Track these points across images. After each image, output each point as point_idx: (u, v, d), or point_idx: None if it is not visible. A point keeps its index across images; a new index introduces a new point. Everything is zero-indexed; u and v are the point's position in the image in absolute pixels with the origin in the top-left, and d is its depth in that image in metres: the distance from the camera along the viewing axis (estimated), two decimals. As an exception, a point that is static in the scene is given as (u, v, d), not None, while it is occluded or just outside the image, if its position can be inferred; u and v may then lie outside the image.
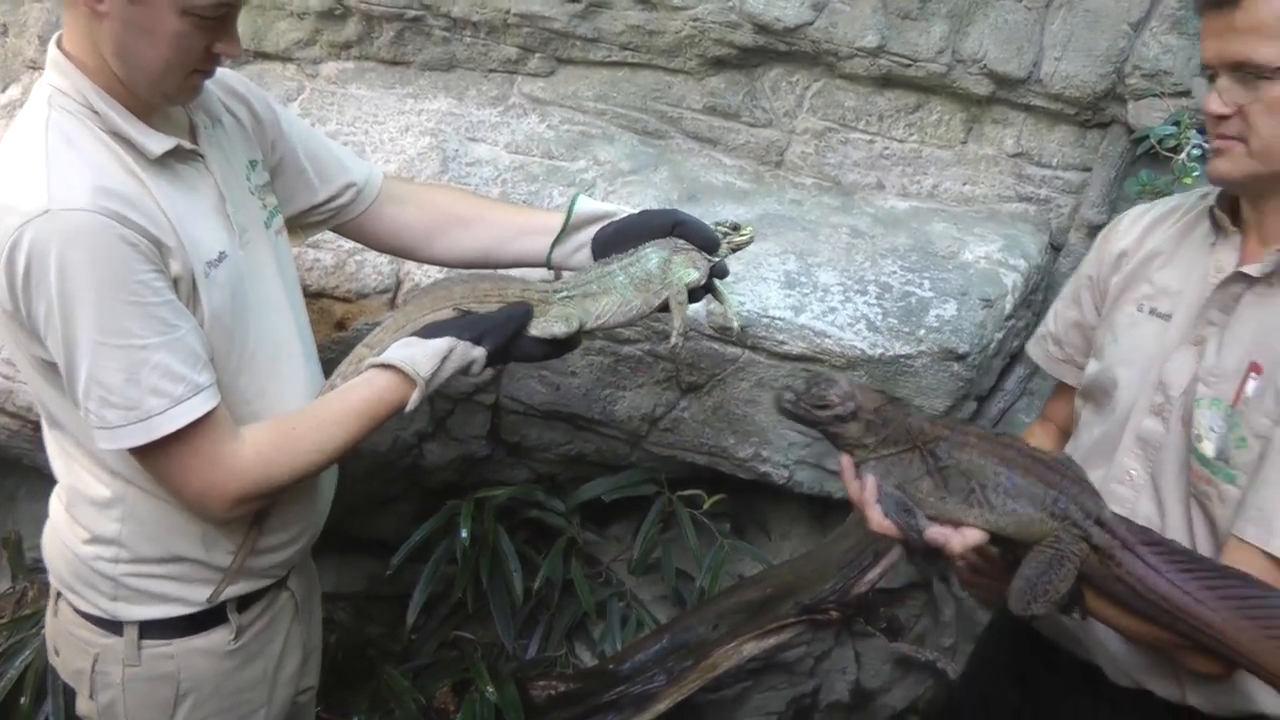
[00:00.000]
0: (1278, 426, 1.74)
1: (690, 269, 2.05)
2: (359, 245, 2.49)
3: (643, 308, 2.06)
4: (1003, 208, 3.23)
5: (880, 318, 2.80)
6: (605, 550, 3.41)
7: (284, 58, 3.40)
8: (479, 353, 1.95)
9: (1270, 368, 1.77)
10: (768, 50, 3.15)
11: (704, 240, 2.10)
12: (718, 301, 2.22)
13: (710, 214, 2.95)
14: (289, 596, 2.13)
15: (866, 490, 1.77)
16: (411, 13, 3.25)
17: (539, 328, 2.01)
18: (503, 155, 3.18)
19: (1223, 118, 1.75)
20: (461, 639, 3.40)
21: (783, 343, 2.76)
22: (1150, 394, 1.93)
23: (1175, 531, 1.85)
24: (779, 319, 2.76)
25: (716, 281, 2.15)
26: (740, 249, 2.18)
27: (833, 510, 3.19)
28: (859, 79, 3.18)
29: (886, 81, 3.18)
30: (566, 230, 2.16)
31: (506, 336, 1.99)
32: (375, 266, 2.86)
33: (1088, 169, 3.17)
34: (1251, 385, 1.78)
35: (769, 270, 2.87)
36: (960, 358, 2.78)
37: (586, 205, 2.18)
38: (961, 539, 1.72)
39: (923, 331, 2.78)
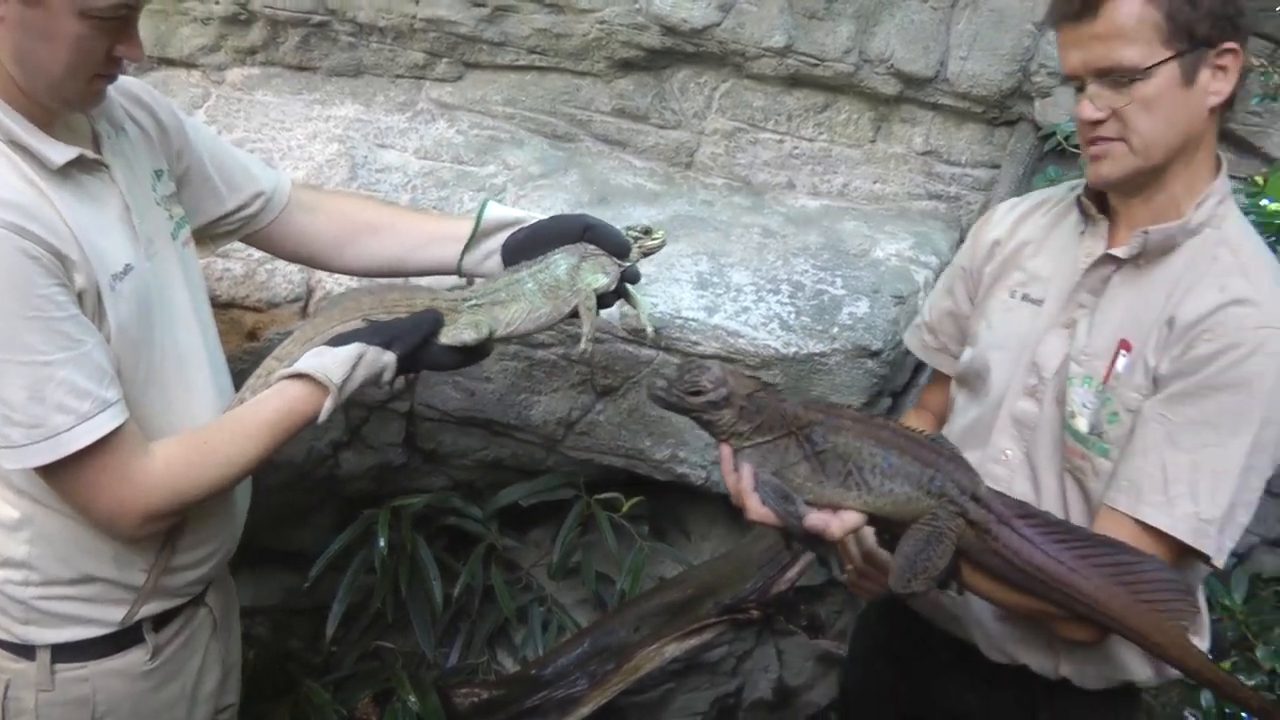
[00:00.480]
0: (1147, 400, 1.82)
1: (599, 275, 2.07)
2: (269, 254, 2.49)
3: (552, 315, 2.07)
4: (913, 205, 3.29)
5: (793, 316, 2.84)
6: (524, 555, 3.41)
7: (188, 64, 3.37)
8: (389, 358, 1.94)
9: (1139, 344, 1.85)
10: (675, 52, 3.18)
11: (614, 245, 2.11)
12: (630, 306, 2.23)
13: (621, 216, 2.98)
14: (207, 613, 2.10)
15: (743, 479, 1.78)
16: (317, 18, 3.24)
17: (449, 335, 2.01)
18: (412, 161, 3.19)
19: (1099, 122, 1.83)
20: (382, 649, 3.38)
21: (696, 343, 2.79)
22: (1024, 376, 2.00)
23: (1050, 507, 1.93)
24: (692, 320, 2.79)
25: (629, 286, 2.16)
26: (652, 253, 2.19)
27: (751, 510, 3.19)
28: (767, 79, 3.23)
29: (795, 81, 3.22)
30: (476, 237, 2.16)
31: (416, 341, 1.98)
32: (286, 275, 2.85)
33: (996, 166, 3.24)
34: (1122, 362, 1.87)
35: (681, 271, 2.89)
36: (874, 355, 2.83)
37: (496, 211, 2.18)
38: (840, 523, 1.75)
39: (836, 329, 2.82)
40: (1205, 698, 2.85)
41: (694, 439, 2.95)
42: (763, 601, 2.99)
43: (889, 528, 1.82)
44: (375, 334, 1.96)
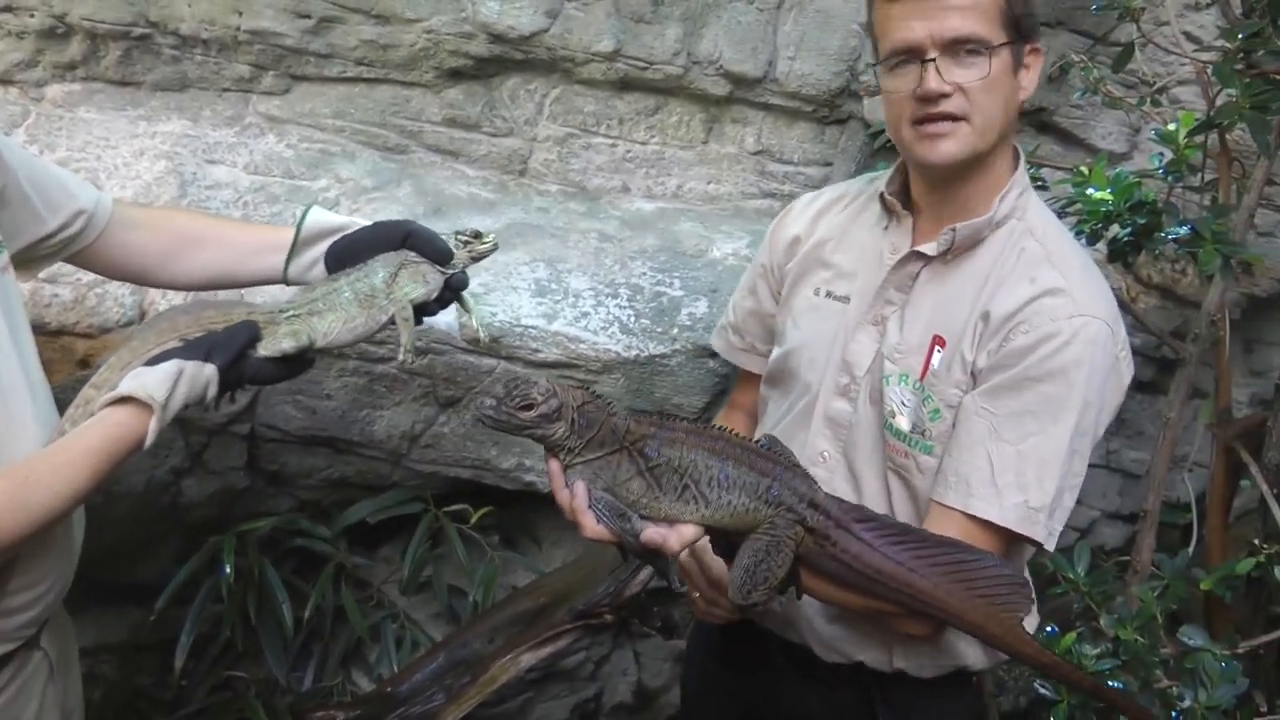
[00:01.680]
0: (967, 394, 1.90)
1: (417, 284, 2.05)
2: (99, 278, 2.45)
3: (369, 324, 2.05)
4: (747, 204, 3.39)
5: (633, 319, 2.92)
6: (375, 573, 3.44)
7: (5, 81, 3.29)
8: (209, 370, 1.90)
9: (953, 340, 1.93)
10: (504, 59, 3.23)
11: (435, 252, 2.08)
12: (464, 312, 2.23)
13: (456, 226, 3.01)
14: (42, 657, 2.01)
15: (577, 497, 1.77)
16: (138, 30, 3.21)
17: (267, 347, 1.98)
18: (242, 177, 3.18)
19: (942, 97, 1.86)
20: (234, 679, 3.37)
21: (537, 350, 2.85)
22: (835, 375, 2.05)
23: (873, 505, 1.98)
24: (532, 327, 2.85)
25: (463, 292, 2.17)
26: (482, 258, 2.16)
27: (602, 514, 3.25)
28: (597, 84, 3.29)
29: (625, 85, 3.30)
30: (298, 245, 2.14)
31: (234, 352, 1.94)
32: (117, 299, 2.84)
33: (828, 164, 3.36)
34: (937, 358, 1.94)
35: (519, 279, 2.96)
36: (715, 354, 2.89)
37: (318, 218, 2.15)
38: (679, 536, 1.76)
39: (676, 330, 2.91)
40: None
41: (540, 446, 3.01)
42: (616, 605, 3.06)
43: (727, 537, 1.83)
44: (191, 349, 1.92)
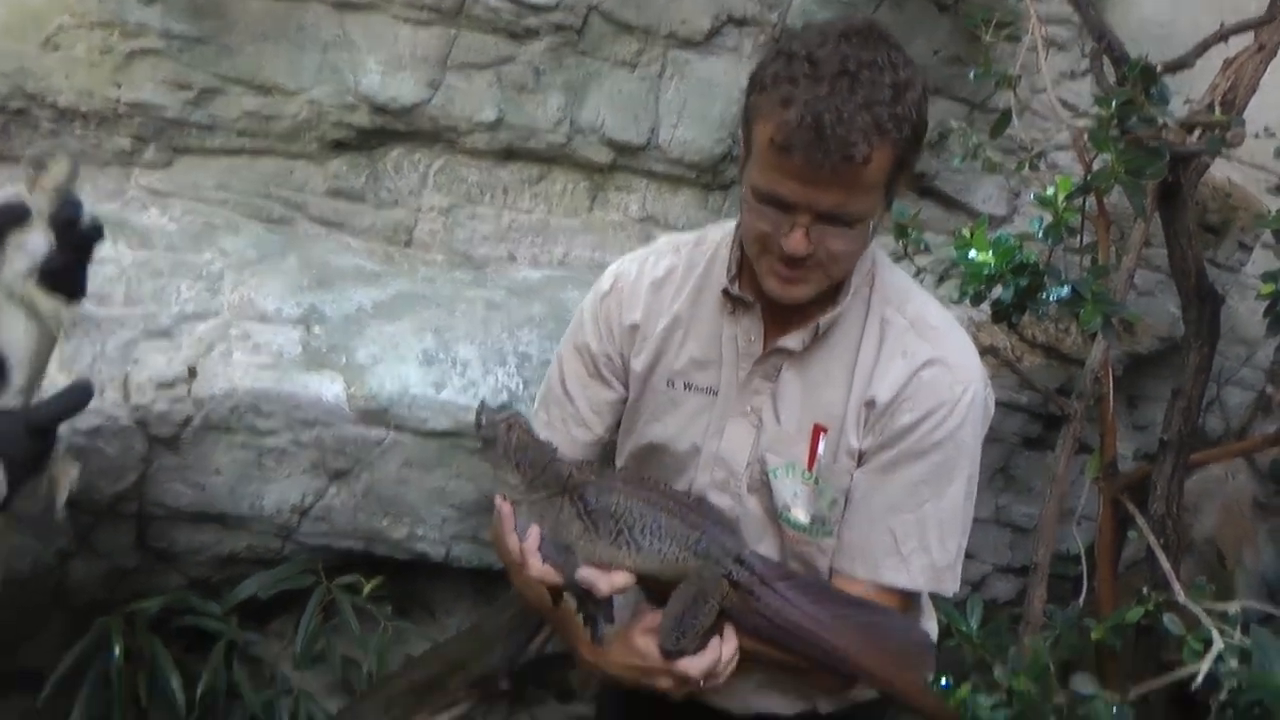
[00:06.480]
0: (856, 470, 2.01)
1: (17, 255, 1.73)
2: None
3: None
4: (632, 269, 3.55)
5: (521, 388, 3.08)
6: (268, 648, 3.50)
7: (-126, 157, 3.32)
8: None
9: (834, 427, 2.00)
10: (387, 130, 3.38)
11: (8, 214, 1.73)
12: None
13: (343, 298, 3.17)
14: None
15: (529, 538, 1.86)
16: (15, 104, 3.26)
17: None
18: (125, 252, 3.22)
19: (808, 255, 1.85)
20: (127, 763, 3.41)
21: (425, 420, 3.00)
22: (710, 471, 2.08)
23: None
24: (420, 396, 3.00)
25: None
26: (60, 186, 1.77)
27: (495, 582, 3.35)
28: (481, 153, 3.45)
29: (508, 154, 3.46)
30: None
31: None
32: None
33: (714, 230, 3.54)
34: (822, 446, 2.01)
35: (407, 350, 3.10)
36: (603, 420, 3.07)
37: None
38: (609, 581, 1.86)
39: (565, 397, 3.06)
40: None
41: (431, 516, 3.14)
42: (511, 672, 3.18)
43: (659, 588, 1.94)
44: None
